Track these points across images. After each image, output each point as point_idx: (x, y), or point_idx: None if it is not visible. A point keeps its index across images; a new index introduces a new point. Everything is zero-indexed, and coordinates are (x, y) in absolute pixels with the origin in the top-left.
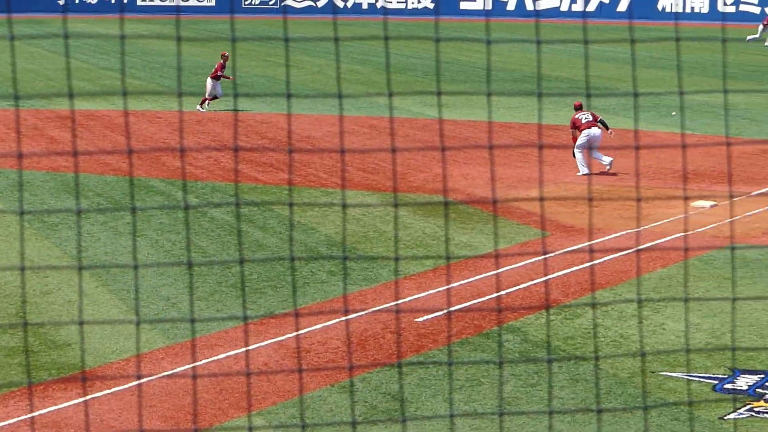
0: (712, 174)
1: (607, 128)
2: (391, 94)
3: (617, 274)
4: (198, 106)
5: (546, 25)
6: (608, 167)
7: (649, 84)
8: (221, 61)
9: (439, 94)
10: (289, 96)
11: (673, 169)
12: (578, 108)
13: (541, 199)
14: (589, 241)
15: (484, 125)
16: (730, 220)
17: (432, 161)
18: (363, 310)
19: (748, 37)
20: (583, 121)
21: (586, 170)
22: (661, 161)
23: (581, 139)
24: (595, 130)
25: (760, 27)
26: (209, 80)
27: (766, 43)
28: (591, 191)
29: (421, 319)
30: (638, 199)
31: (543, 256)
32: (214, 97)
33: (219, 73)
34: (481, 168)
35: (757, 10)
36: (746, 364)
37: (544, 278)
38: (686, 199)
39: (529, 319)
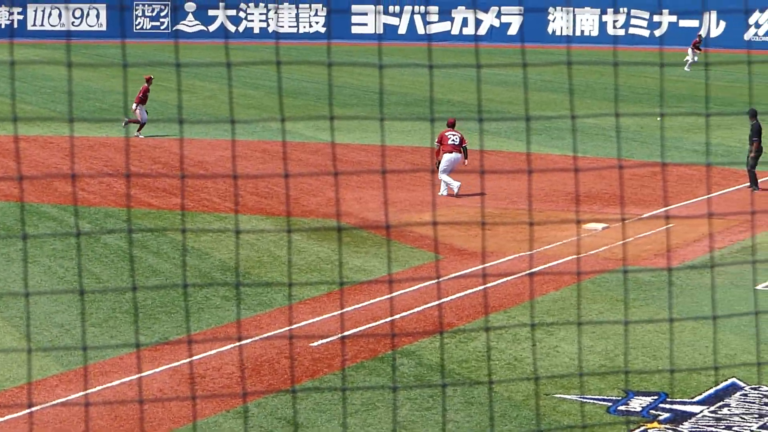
0: (604, 196)
1: (466, 157)
2: (283, 119)
3: (510, 297)
4: (136, 132)
5: (437, 49)
6: (456, 192)
7: (541, 107)
8: (146, 85)
9: (331, 118)
10: (181, 121)
11: (565, 191)
12: (451, 125)
13: (434, 223)
14: (482, 264)
15: (377, 149)
16: (622, 242)
17: (325, 185)
18: (258, 335)
19: (686, 67)
20: (449, 141)
21: (454, 189)
22: (554, 184)
23: (444, 164)
24: (456, 155)
25: (690, 50)
26: (135, 106)
27: (686, 68)
28: (484, 215)
29: (315, 343)
30: (531, 223)
31: (436, 280)
32: (136, 122)
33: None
34: (375, 192)
35: (646, 33)
36: (639, 385)
37: (437, 302)
38: (578, 221)
39: (424, 342)
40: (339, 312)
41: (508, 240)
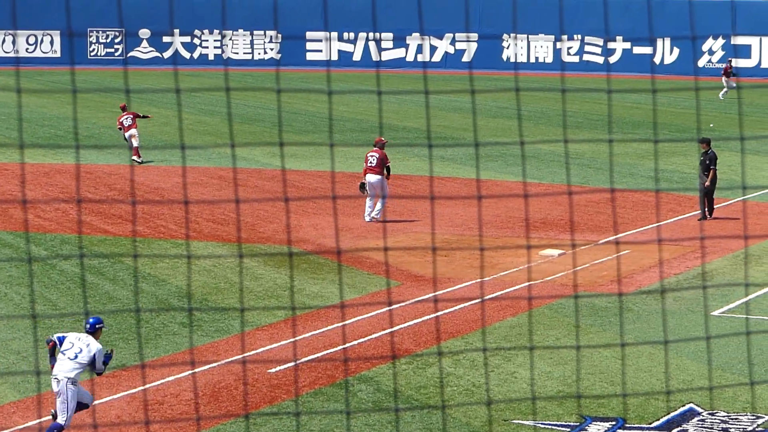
0: (560, 223)
1: (388, 177)
2: (233, 145)
3: (467, 323)
4: (134, 157)
5: (392, 76)
6: (377, 216)
7: (496, 133)
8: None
9: (281, 144)
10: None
11: (521, 218)
12: (375, 144)
13: (386, 248)
14: (439, 290)
15: (334, 175)
16: (578, 268)
17: (281, 212)
18: (215, 361)
19: (720, 95)
20: (367, 164)
21: (366, 216)
22: (510, 210)
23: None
24: (372, 178)
25: (724, 79)
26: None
27: (720, 96)
28: (440, 241)
29: (273, 370)
30: (481, 249)
31: (392, 306)
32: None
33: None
34: (331, 218)
35: (600, 59)
36: (597, 411)
37: (394, 328)
38: (532, 248)
39: (382, 368)
40: (296, 338)
41: (464, 266)
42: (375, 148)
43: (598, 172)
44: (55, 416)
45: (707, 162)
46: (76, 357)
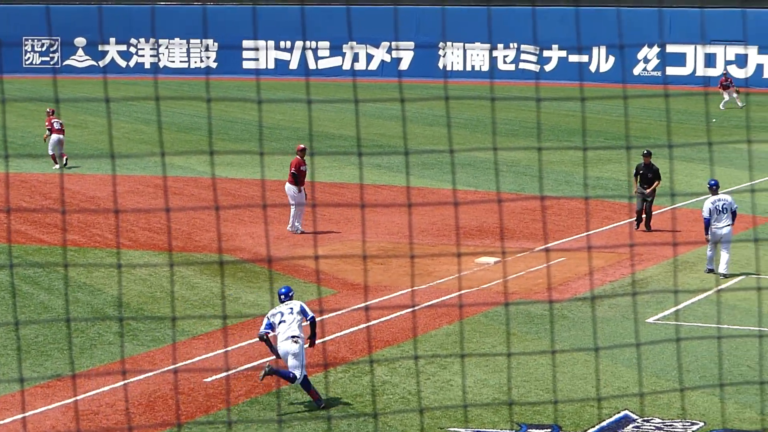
0: (496, 230)
1: (295, 183)
2: (163, 153)
3: (403, 331)
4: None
5: (329, 84)
6: (297, 232)
7: (433, 141)
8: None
9: (211, 153)
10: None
11: (458, 225)
12: (301, 150)
13: (317, 257)
14: (374, 298)
15: (271, 183)
16: (513, 276)
17: (218, 220)
18: (151, 370)
19: (721, 106)
20: (304, 168)
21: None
22: (446, 218)
23: (299, 197)
24: (287, 187)
25: (724, 93)
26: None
27: (740, 104)
28: (377, 249)
29: (209, 379)
30: (411, 256)
31: (328, 315)
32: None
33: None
34: (268, 226)
35: (536, 68)
36: (533, 419)
37: (330, 336)
38: (468, 255)
39: (318, 377)
40: (232, 347)
41: (400, 274)
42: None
43: (534, 179)
44: (270, 372)
45: (650, 175)
46: (293, 321)
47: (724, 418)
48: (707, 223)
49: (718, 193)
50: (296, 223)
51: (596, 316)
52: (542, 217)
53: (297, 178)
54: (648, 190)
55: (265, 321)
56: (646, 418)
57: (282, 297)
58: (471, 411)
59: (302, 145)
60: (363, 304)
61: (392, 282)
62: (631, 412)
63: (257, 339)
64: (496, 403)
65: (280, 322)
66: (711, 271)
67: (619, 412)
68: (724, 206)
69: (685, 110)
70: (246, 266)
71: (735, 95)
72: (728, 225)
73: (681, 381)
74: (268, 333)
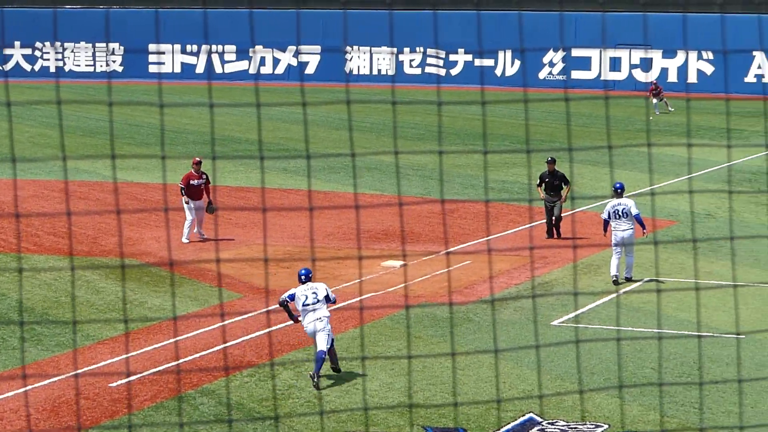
0: (402, 234)
1: (211, 208)
2: (65, 158)
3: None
4: None
5: (235, 88)
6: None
7: (339, 145)
8: None
9: (113, 157)
10: None
11: (363, 229)
12: (196, 164)
13: (218, 260)
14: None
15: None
16: (419, 279)
17: (124, 225)
18: (56, 375)
19: (656, 111)
20: (196, 183)
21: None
22: (352, 222)
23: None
24: (199, 203)
25: (654, 100)
26: None
27: (657, 111)
28: (283, 252)
29: (114, 384)
30: (313, 259)
31: (234, 319)
32: None
33: None
34: (173, 230)
35: (442, 72)
36: (438, 422)
37: (236, 340)
38: (374, 258)
39: (223, 381)
40: (137, 352)
41: None
42: (198, 169)
43: (440, 183)
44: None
45: (555, 182)
46: (318, 301)
47: (628, 420)
48: (606, 224)
49: (621, 197)
50: (197, 230)
51: (501, 319)
52: (443, 220)
53: (185, 192)
54: (557, 199)
55: (289, 292)
56: (550, 421)
57: (302, 278)
58: (376, 414)
59: (197, 158)
60: (269, 308)
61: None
62: (536, 414)
63: (161, 344)
64: (402, 406)
65: (304, 304)
66: (616, 279)
67: (524, 415)
68: (624, 211)
69: (590, 114)
70: (151, 270)
71: (665, 101)
72: (629, 229)
73: (585, 383)
74: (288, 302)
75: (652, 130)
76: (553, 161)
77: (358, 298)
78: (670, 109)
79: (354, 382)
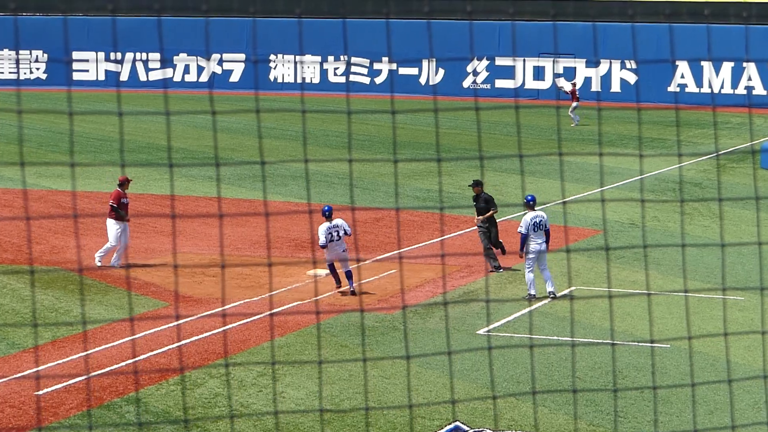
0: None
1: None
2: None
3: (235, 344)
4: None
5: (159, 96)
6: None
7: (265, 153)
8: None
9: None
10: None
11: (289, 237)
12: (123, 182)
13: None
14: (206, 311)
15: (102, 195)
16: (345, 287)
17: (48, 233)
18: None
19: (572, 119)
20: (125, 201)
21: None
22: (277, 230)
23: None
24: (126, 225)
25: (574, 103)
26: None
27: (575, 122)
28: (209, 261)
29: (40, 392)
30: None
31: (162, 326)
32: None
33: None
34: (97, 238)
35: (367, 80)
36: (365, 430)
37: (162, 348)
38: (293, 266)
39: (150, 389)
40: (64, 360)
41: (232, 286)
42: (125, 186)
43: (365, 192)
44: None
45: (482, 205)
46: (340, 237)
47: (554, 428)
48: (524, 239)
49: (534, 209)
50: (117, 257)
51: (427, 327)
52: (371, 229)
53: (118, 212)
54: (488, 223)
55: (324, 237)
56: (477, 429)
57: (327, 213)
58: (303, 423)
59: (124, 176)
60: (195, 317)
61: (224, 294)
62: (462, 423)
63: (87, 352)
64: (327, 416)
65: (330, 240)
66: (533, 297)
67: (450, 423)
68: (542, 222)
69: (514, 123)
70: (76, 278)
71: (575, 107)
72: (544, 242)
73: (511, 392)
74: (326, 246)
75: (577, 139)
76: (476, 184)
77: (284, 307)
78: (576, 120)
79: (281, 391)
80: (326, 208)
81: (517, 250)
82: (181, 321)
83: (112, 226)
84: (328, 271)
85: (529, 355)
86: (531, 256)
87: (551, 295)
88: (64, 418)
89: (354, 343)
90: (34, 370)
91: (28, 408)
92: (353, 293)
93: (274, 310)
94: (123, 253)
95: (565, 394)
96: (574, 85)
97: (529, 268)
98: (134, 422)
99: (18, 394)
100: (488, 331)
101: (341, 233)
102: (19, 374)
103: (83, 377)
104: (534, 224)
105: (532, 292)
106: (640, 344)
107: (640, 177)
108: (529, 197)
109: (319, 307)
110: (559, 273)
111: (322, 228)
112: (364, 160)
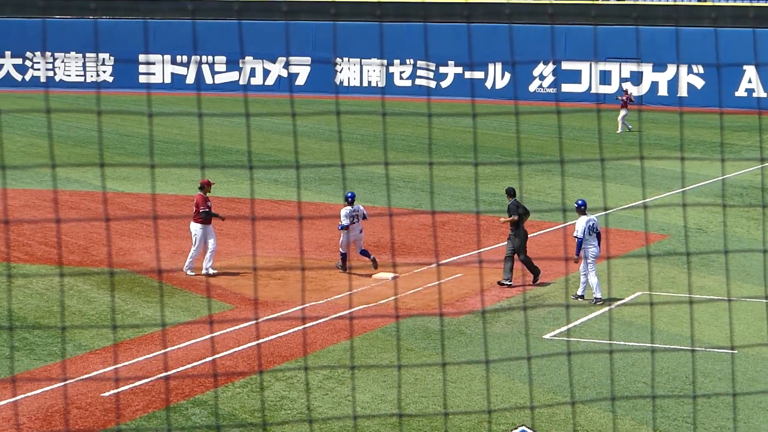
0: (394, 246)
1: (202, 221)
2: (54, 165)
3: (301, 347)
4: None
5: (226, 99)
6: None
7: (329, 157)
8: None
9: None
10: None
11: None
12: (204, 186)
13: (215, 274)
14: (273, 313)
15: (166, 198)
16: (411, 291)
17: (115, 235)
18: (48, 385)
19: (620, 128)
20: (210, 205)
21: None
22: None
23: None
24: (211, 229)
25: (622, 112)
26: None
27: (622, 128)
28: (275, 264)
29: (107, 393)
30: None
31: (229, 329)
32: None
33: None
34: (165, 241)
35: (433, 83)
36: None
37: (230, 351)
38: (359, 270)
39: (216, 391)
40: (131, 362)
41: (298, 289)
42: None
43: (430, 195)
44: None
45: (516, 215)
46: (359, 220)
47: None
48: (580, 243)
49: (586, 214)
50: (209, 265)
51: (492, 331)
52: (437, 233)
53: (207, 215)
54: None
55: (347, 219)
56: None
57: (350, 199)
58: (368, 426)
59: (206, 179)
60: (262, 319)
61: (289, 297)
62: (528, 428)
63: (153, 354)
64: (394, 415)
65: (352, 222)
66: (581, 297)
67: (516, 428)
68: (595, 226)
69: (580, 127)
70: (143, 280)
71: (624, 114)
72: (597, 246)
73: (577, 397)
74: (347, 227)
75: (644, 144)
76: (510, 191)
77: (349, 310)
78: (628, 127)
79: (346, 395)
80: (350, 194)
81: (573, 254)
82: (245, 324)
83: (199, 230)
84: (394, 275)
85: (594, 359)
86: (590, 260)
87: (597, 301)
88: (131, 419)
89: (419, 347)
90: (101, 371)
91: (94, 409)
92: (375, 264)
93: (340, 313)
94: (212, 256)
95: (631, 399)
96: (626, 92)
97: (589, 271)
98: (201, 425)
99: (84, 396)
100: (554, 335)
101: (360, 217)
102: (86, 376)
103: (150, 379)
104: (589, 228)
105: (582, 293)
106: (710, 350)
107: (708, 182)
108: (580, 202)
109: (384, 311)
110: (625, 278)
111: (345, 211)
112: (444, 163)
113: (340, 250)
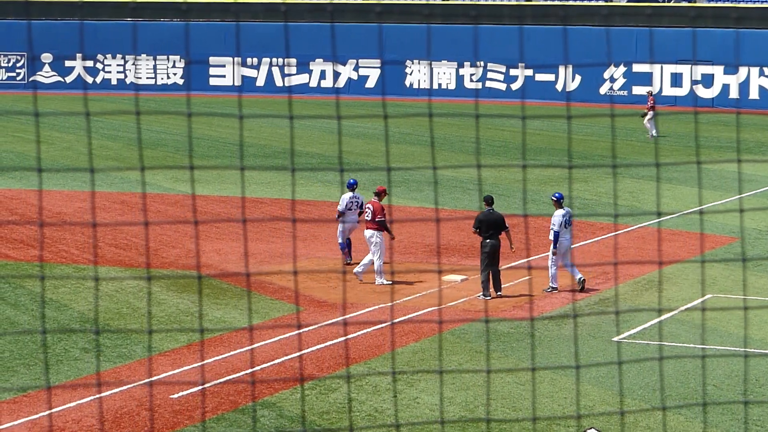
0: (463, 248)
1: (382, 231)
2: (143, 168)
3: (371, 349)
4: None
5: (296, 101)
6: (358, 271)
7: (400, 159)
8: None
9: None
10: (40, 171)
11: (424, 243)
12: (379, 193)
13: (295, 272)
14: (343, 315)
15: (236, 200)
16: (480, 294)
17: (184, 237)
18: (117, 387)
19: (651, 134)
20: (365, 215)
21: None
22: (413, 236)
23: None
24: (366, 231)
25: (649, 114)
26: None
27: (652, 134)
28: (343, 266)
29: (176, 395)
30: (392, 272)
31: (297, 331)
32: None
33: None
34: (233, 243)
35: (503, 86)
36: None
37: (298, 353)
38: (429, 273)
39: (285, 394)
40: (199, 363)
41: (367, 291)
42: (372, 199)
43: (500, 198)
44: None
45: (489, 228)
46: (356, 208)
47: None
48: (557, 237)
49: (563, 207)
50: (359, 269)
51: (562, 334)
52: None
53: (385, 225)
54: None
55: (344, 204)
56: None
57: (352, 186)
58: (438, 428)
59: (383, 187)
60: (330, 321)
61: (359, 299)
62: (598, 430)
63: (222, 356)
64: (464, 420)
65: (348, 208)
66: (555, 289)
67: (585, 431)
68: (571, 218)
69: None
70: (213, 282)
71: (650, 117)
72: (569, 238)
73: (648, 400)
74: (343, 212)
75: (715, 147)
76: (487, 199)
77: (418, 312)
78: (653, 132)
79: (415, 397)
80: (351, 181)
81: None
82: (315, 326)
83: (377, 237)
84: (464, 277)
85: (664, 362)
86: (562, 251)
87: (582, 282)
88: (200, 421)
89: (489, 349)
90: (171, 373)
91: (163, 411)
92: (350, 260)
93: (408, 315)
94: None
95: (721, 404)
96: (650, 93)
97: (556, 264)
98: (269, 426)
99: (154, 397)
100: (623, 338)
101: (358, 206)
102: (155, 377)
103: (219, 381)
104: (565, 221)
105: (554, 285)
106: None
107: None
108: (558, 194)
109: (453, 313)
110: (695, 281)
111: (345, 197)
112: (533, 165)
113: (338, 240)
